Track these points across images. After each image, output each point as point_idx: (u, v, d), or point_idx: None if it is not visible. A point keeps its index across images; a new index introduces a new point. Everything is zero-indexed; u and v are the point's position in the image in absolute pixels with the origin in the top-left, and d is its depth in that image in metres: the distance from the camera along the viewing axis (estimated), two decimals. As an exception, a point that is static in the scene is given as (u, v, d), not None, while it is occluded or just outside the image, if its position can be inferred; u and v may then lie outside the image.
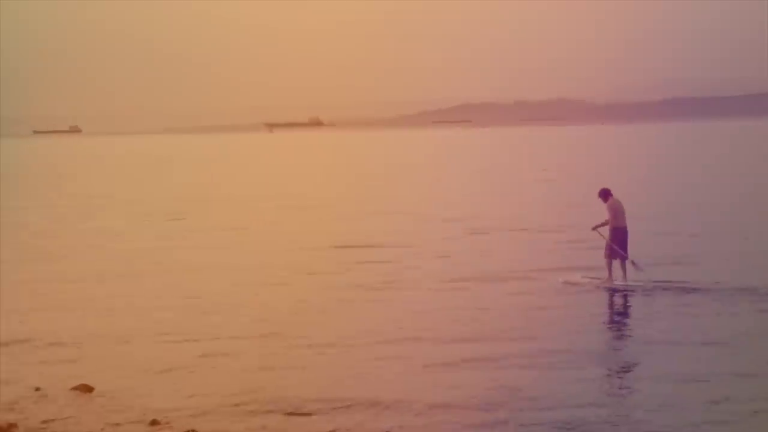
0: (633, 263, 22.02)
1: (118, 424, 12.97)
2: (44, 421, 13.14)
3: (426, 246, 29.49)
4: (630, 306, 20.56)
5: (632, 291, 21.47)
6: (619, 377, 15.14)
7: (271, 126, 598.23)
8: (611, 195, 22.32)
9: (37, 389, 14.55)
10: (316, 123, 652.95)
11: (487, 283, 22.68)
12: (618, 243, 22.01)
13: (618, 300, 21.07)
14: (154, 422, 12.99)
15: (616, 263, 22.15)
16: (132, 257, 28.79)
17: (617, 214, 22.12)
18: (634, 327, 18.70)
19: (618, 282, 21.93)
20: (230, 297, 21.81)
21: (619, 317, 20.02)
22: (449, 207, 43.10)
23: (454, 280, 23.24)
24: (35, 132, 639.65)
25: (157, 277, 24.91)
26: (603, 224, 22.43)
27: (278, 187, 61.05)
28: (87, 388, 14.49)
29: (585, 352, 16.25)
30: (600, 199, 22.51)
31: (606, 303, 20.96)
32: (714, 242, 29.19)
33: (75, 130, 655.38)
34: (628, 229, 22.30)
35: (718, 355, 16.11)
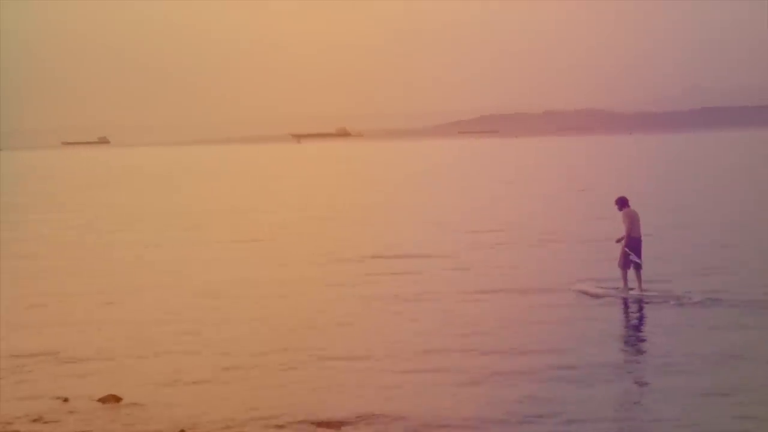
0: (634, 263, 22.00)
1: (146, 436, 12.99)
2: (72, 432, 13.20)
3: (453, 257, 29.37)
4: (645, 317, 20.45)
5: (647, 301, 21.44)
6: (639, 391, 15.01)
7: (299, 137, 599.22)
8: (627, 204, 22.33)
9: (65, 400, 14.59)
10: (344, 133, 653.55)
11: (514, 294, 22.52)
12: (631, 252, 21.95)
13: (633, 310, 20.97)
14: (182, 433, 13.03)
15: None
16: (157, 269, 28.85)
17: (632, 223, 22.11)
18: (652, 338, 18.57)
19: (633, 292, 21.91)
20: (256, 309, 21.77)
21: (633, 328, 19.86)
22: (477, 217, 43.00)
23: (481, 291, 23.12)
24: (64, 143, 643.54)
25: (183, 288, 24.90)
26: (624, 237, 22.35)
27: (305, 198, 61.07)
28: (115, 399, 14.51)
29: (611, 366, 16.14)
30: (616, 207, 22.52)
31: (623, 313, 20.88)
32: (743, 253, 28.87)
33: (103, 141, 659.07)
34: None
35: (738, 368, 15.96)
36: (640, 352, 17.69)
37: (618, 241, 22.47)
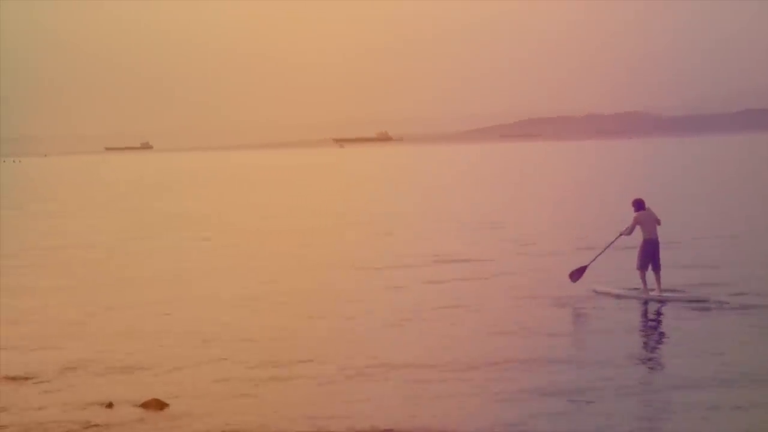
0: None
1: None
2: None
3: (495, 263, 28.96)
4: (662, 315, 20.45)
5: (665, 302, 21.44)
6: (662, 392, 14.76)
7: (341, 141, 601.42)
8: (643, 207, 22.37)
9: (109, 405, 14.51)
10: (385, 138, 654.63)
11: (556, 304, 21.95)
12: (646, 255, 22.08)
13: (652, 311, 20.93)
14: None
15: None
16: (200, 276, 28.82)
17: (643, 226, 22.19)
18: (674, 339, 18.45)
19: (653, 293, 21.93)
20: (302, 317, 21.57)
21: (654, 329, 19.77)
22: (518, 223, 42.72)
23: (522, 297, 22.72)
24: (107, 149, 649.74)
25: (228, 296, 24.80)
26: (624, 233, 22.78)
27: (349, 203, 61.03)
28: (160, 405, 14.41)
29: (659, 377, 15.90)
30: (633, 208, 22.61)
31: (642, 315, 20.82)
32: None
33: (146, 146, 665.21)
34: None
35: (757, 371, 15.73)
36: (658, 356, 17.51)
37: (621, 235, 22.87)
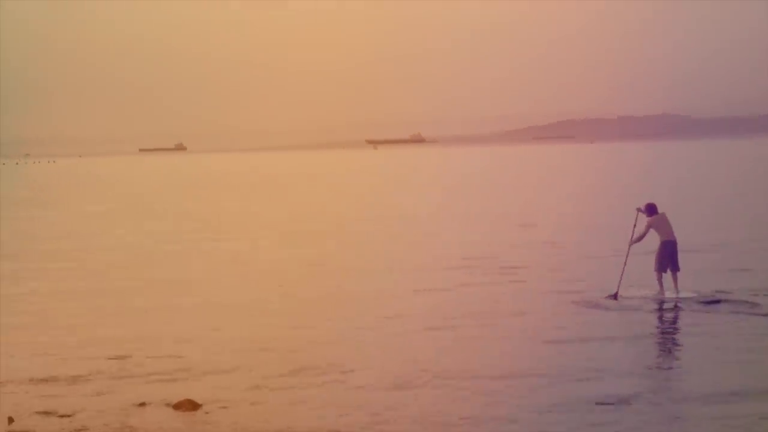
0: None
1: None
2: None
3: (530, 268, 28.50)
4: (679, 319, 20.31)
5: (681, 304, 21.30)
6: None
7: (375, 143, 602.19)
8: (656, 211, 22.53)
9: (141, 404, 14.45)
10: (418, 139, 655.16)
11: (593, 309, 21.58)
12: (664, 256, 22.13)
13: (668, 314, 20.80)
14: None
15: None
16: (237, 276, 28.75)
17: (660, 228, 22.31)
18: (686, 342, 18.33)
19: (670, 295, 21.93)
20: (341, 319, 21.47)
21: (669, 332, 19.60)
22: (552, 224, 42.46)
23: (566, 303, 22.19)
24: (141, 150, 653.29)
25: (265, 297, 24.75)
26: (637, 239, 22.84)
27: (383, 205, 60.97)
28: (193, 405, 14.33)
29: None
30: (643, 213, 22.77)
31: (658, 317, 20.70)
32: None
33: (180, 147, 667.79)
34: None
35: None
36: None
37: (632, 244, 22.98)
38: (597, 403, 13.94)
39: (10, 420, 13.76)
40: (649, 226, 22.38)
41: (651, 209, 22.51)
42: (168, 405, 14.39)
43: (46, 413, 14.21)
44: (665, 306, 21.36)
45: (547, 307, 21.61)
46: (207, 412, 14.04)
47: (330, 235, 39.89)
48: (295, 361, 17.03)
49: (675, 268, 22.08)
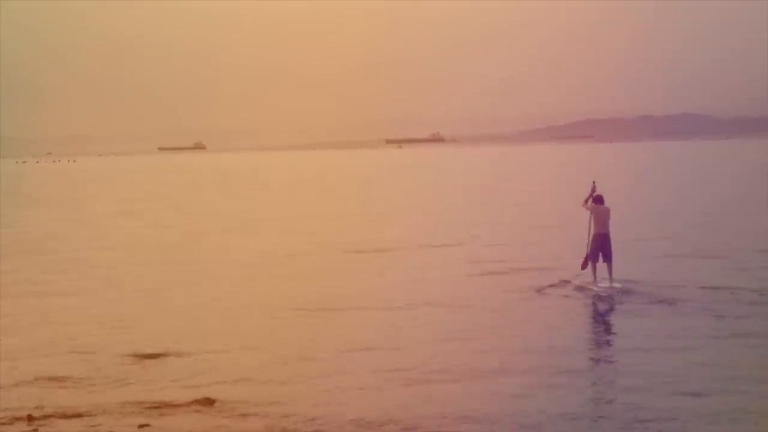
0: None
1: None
2: (166, 435, 13.08)
3: (563, 270, 28.23)
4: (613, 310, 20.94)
5: (602, 293, 22.31)
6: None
7: (399, 142, 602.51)
8: (602, 202, 23.67)
9: (157, 406, 14.47)
10: (438, 139, 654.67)
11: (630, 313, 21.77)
12: (596, 246, 23.31)
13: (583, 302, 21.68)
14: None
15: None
16: (259, 274, 28.84)
17: (599, 219, 23.44)
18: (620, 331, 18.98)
19: (603, 284, 23.01)
20: (361, 313, 21.49)
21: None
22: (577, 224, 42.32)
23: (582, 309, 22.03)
24: (160, 149, 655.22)
25: (287, 294, 24.78)
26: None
27: (409, 205, 60.90)
28: (208, 402, 14.37)
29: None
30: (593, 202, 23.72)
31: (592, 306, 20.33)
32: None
33: (199, 146, 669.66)
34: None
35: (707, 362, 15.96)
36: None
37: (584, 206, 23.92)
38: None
39: (30, 418, 13.81)
40: (590, 210, 23.52)
41: (598, 199, 23.66)
42: (184, 403, 14.44)
43: (64, 412, 14.22)
44: (586, 294, 22.44)
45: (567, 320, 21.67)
46: (223, 410, 14.09)
47: (355, 235, 39.80)
48: (303, 358, 17.04)
49: (606, 259, 23.20)
